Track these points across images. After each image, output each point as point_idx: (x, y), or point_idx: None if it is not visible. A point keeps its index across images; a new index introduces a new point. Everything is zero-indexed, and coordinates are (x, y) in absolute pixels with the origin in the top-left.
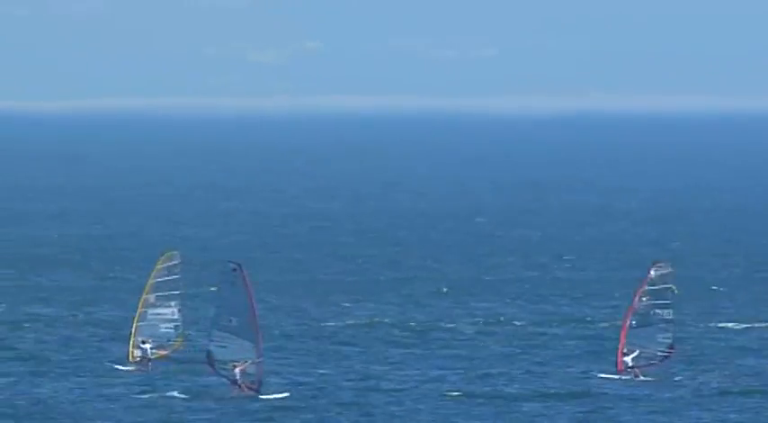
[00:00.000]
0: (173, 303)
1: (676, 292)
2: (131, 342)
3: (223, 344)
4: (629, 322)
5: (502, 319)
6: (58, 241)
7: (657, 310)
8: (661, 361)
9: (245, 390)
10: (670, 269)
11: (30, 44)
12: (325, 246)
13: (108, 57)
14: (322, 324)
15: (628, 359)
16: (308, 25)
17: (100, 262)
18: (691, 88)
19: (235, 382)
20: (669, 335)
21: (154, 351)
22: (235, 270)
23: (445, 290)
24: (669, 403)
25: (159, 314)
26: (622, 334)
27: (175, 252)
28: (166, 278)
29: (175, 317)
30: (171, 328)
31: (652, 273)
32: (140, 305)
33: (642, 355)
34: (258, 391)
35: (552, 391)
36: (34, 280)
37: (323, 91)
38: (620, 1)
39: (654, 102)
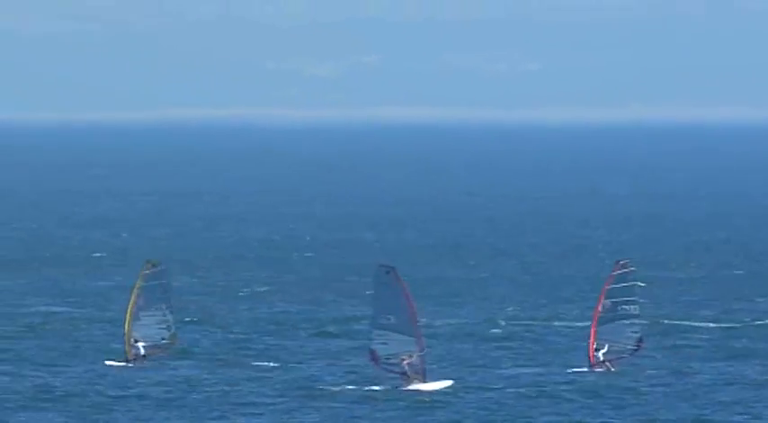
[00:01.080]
0: (163, 306)
1: (642, 285)
2: (126, 341)
3: (384, 341)
4: (597, 319)
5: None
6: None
7: (624, 306)
8: (631, 354)
9: (413, 381)
10: (633, 267)
11: (104, 60)
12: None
13: (178, 71)
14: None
15: (599, 354)
16: (364, 41)
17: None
18: (729, 99)
19: (404, 373)
20: (637, 329)
21: (150, 350)
22: (388, 272)
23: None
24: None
25: (150, 315)
26: (592, 331)
27: (157, 260)
28: (153, 282)
29: (166, 318)
30: (164, 328)
31: (616, 271)
32: (130, 307)
33: (612, 349)
34: (424, 382)
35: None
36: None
37: (378, 103)
38: (658, 18)
39: (693, 113)
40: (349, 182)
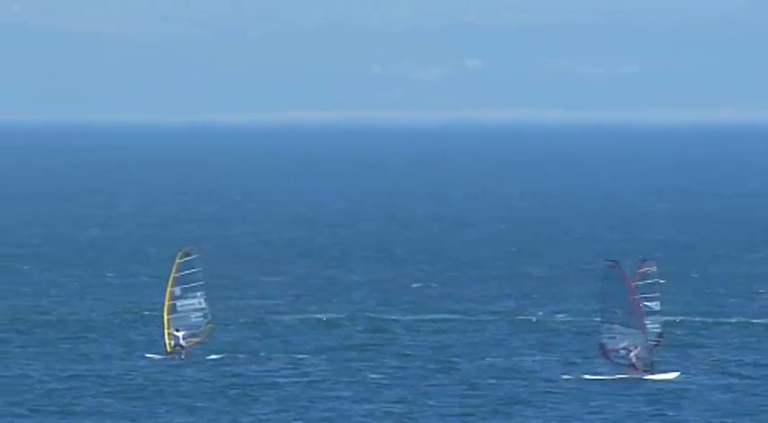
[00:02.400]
0: (198, 294)
1: (662, 282)
2: (166, 334)
3: (612, 335)
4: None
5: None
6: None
7: (646, 303)
8: (651, 349)
9: (641, 372)
10: (655, 267)
11: (216, 65)
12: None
13: (287, 75)
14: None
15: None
16: (467, 45)
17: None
18: None
19: (632, 365)
20: (658, 325)
21: (190, 340)
22: (613, 267)
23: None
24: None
25: (187, 305)
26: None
27: (192, 247)
28: (187, 272)
29: (202, 305)
30: (200, 317)
31: (641, 269)
32: (167, 298)
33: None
34: (651, 373)
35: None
36: None
37: (480, 106)
38: (755, 19)
39: None
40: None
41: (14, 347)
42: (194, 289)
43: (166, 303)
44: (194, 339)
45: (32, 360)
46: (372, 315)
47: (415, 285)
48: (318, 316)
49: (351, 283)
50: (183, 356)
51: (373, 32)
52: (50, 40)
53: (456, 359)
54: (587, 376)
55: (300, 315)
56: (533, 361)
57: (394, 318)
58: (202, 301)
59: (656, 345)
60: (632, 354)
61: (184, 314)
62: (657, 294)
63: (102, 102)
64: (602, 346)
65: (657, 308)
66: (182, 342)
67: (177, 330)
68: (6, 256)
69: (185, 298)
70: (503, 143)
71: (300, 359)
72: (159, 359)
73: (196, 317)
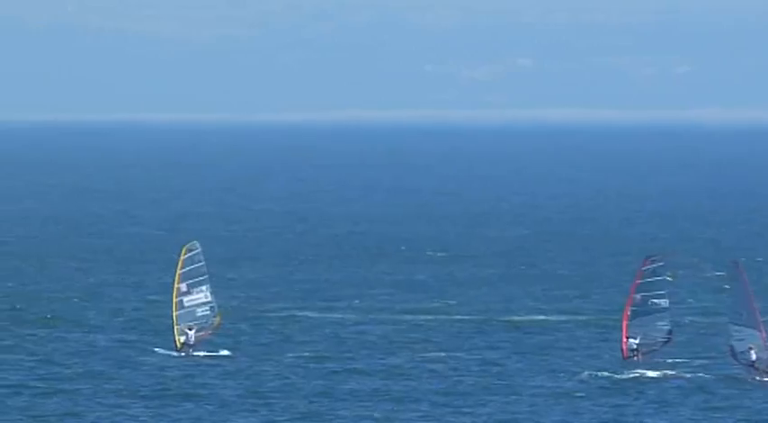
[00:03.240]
0: (203, 288)
1: (671, 279)
2: (175, 330)
3: (741, 337)
4: (628, 313)
5: None
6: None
7: (654, 300)
8: (661, 347)
9: (761, 373)
10: (662, 262)
11: (271, 64)
12: None
13: (341, 74)
14: None
15: (633, 342)
16: (519, 44)
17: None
18: None
19: (751, 365)
20: (667, 322)
21: (199, 334)
22: (735, 266)
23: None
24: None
25: (193, 300)
26: (624, 324)
27: (195, 242)
28: (191, 267)
29: (209, 299)
30: (207, 311)
31: (646, 266)
32: (174, 295)
33: (644, 341)
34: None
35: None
36: None
37: (533, 105)
38: None
39: None
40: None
41: None
42: (199, 283)
43: (174, 302)
44: (204, 333)
45: None
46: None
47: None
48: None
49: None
50: (190, 352)
51: (425, 32)
52: (105, 41)
53: None
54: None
55: None
56: None
57: None
58: (209, 293)
59: (666, 342)
60: (752, 351)
61: (191, 310)
62: (665, 292)
63: (157, 102)
64: (731, 349)
65: (666, 305)
66: (192, 340)
67: (189, 328)
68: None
69: (191, 293)
70: (555, 142)
71: None
72: (174, 356)
73: (203, 311)
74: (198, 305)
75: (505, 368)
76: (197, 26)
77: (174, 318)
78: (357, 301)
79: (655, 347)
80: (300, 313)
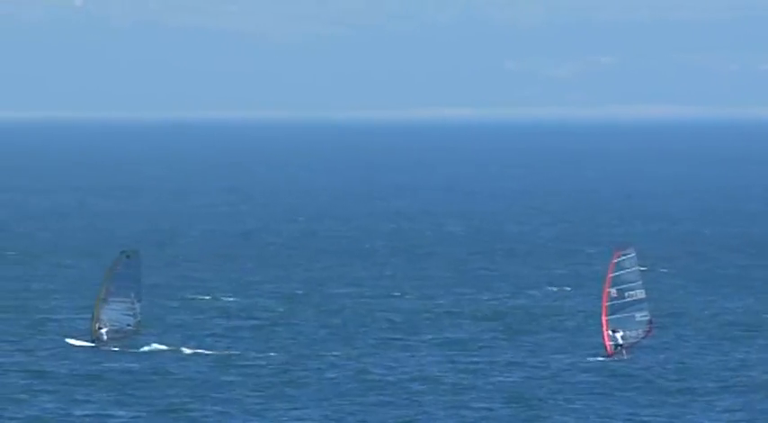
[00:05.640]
0: (132, 294)
1: (644, 269)
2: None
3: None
4: (606, 307)
5: None
6: None
7: (630, 292)
8: (644, 337)
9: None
10: (633, 253)
11: (356, 63)
12: None
13: (424, 71)
14: None
15: (618, 336)
16: (600, 41)
17: None
18: None
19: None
20: (645, 313)
21: (111, 334)
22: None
23: None
24: None
25: (120, 302)
26: (604, 320)
27: (132, 250)
28: (124, 271)
29: (134, 306)
30: (130, 315)
31: (616, 259)
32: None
33: (627, 335)
34: None
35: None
36: None
37: (614, 102)
38: None
39: None
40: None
41: None
42: (129, 288)
43: (99, 297)
44: (120, 335)
45: None
46: None
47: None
48: None
49: None
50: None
51: (507, 29)
52: (187, 38)
53: None
54: None
55: None
56: None
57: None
58: (135, 301)
59: (647, 332)
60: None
61: (114, 309)
62: (640, 282)
63: (241, 99)
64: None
65: (642, 295)
66: (105, 338)
67: (100, 327)
68: None
69: (118, 295)
70: (638, 140)
71: None
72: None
73: (125, 314)
74: (121, 309)
75: None
76: (280, 23)
77: (95, 312)
78: None
79: (638, 339)
80: None
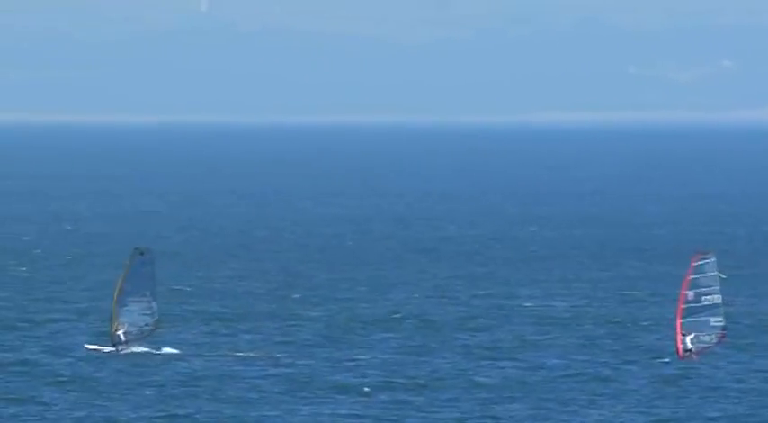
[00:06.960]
0: (148, 292)
1: (724, 276)
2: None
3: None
4: (681, 311)
5: None
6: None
7: (706, 297)
8: (716, 344)
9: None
10: (713, 258)
11: (478, 67)
12: None
13: (539, 75)
14: None
15: (687, 340)
16: (722, 46)
17: None
18: None
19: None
20: (720, 319)
21: (130, 336)
22: None
23: None
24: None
25: (137, 302)
26: (678, 323)
27: (146, 247)
28: (139, 269)
29: (151, 305)
30: (148, 315)
31: (696, 262)
32: (117, 292)
33: (698, 339)
34: None
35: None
36: None
37: (736, 107)
38: None
39: None
40: None
41: None
42: (145, 287)
43: (115, 298)
44: (138, 336)
45: None
46: None
47: None
48: None
49: None
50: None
51: (628, 33)
52: (313, 43)
53: None
54: None
55: None
56: None
57: None
58: (152, 299)
59: (720, 339)
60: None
61: (132, 311)
62: (718, 287)
63: (363, 105)
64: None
65: (719, 301)
66: (123, 339)
67: (117, 329)
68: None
69: (135, 295)
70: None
71: None
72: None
73: (143, 314)
74: (139, 309)
75: None
76: (400, 27)
77: (113, 314)
78: None
79: (710, 345)
80: None
